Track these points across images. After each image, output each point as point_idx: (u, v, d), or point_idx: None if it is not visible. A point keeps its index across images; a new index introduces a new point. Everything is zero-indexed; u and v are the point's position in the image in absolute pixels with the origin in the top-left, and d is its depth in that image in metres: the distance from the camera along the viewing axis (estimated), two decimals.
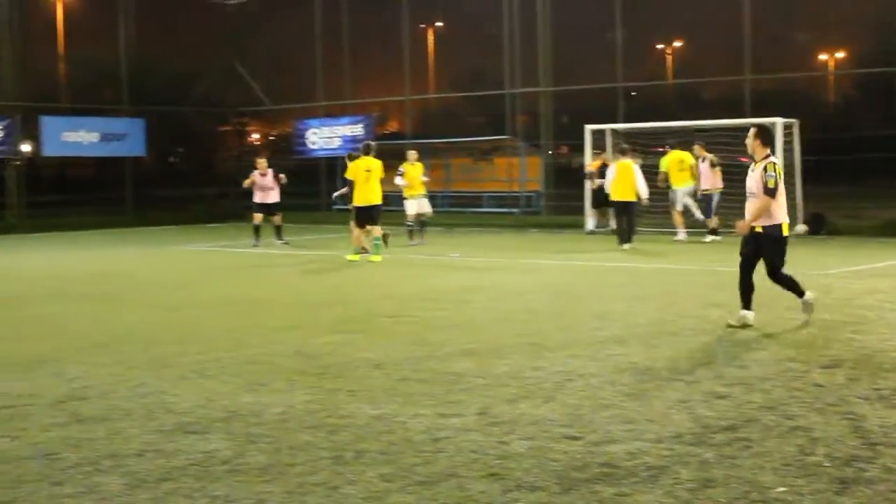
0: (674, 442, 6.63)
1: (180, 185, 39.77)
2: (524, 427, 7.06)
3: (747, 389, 8.13)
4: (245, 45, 40.39)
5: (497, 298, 14.16)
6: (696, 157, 24.12)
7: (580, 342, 10.39)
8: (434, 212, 25.62)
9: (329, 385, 8.49)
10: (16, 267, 20.54)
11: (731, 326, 11.08)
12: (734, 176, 20.80)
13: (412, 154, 24.61)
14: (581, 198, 28.08)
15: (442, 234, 27.27)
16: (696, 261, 18.95)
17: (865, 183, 29.14)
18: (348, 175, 20.69)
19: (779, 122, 25.14)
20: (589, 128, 28.13)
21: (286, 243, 24.17)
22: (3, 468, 6.31)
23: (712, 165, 23.65)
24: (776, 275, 11.26)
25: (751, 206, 11.17)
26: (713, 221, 23.63)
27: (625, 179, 22.38)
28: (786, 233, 11.23)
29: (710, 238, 23.53)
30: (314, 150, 36.94)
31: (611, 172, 22.99)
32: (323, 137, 36.57)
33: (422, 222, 24.44)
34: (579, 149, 29.39)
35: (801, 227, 25.06)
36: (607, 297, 14.12)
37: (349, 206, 20.99)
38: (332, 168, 36.01)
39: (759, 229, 11.12)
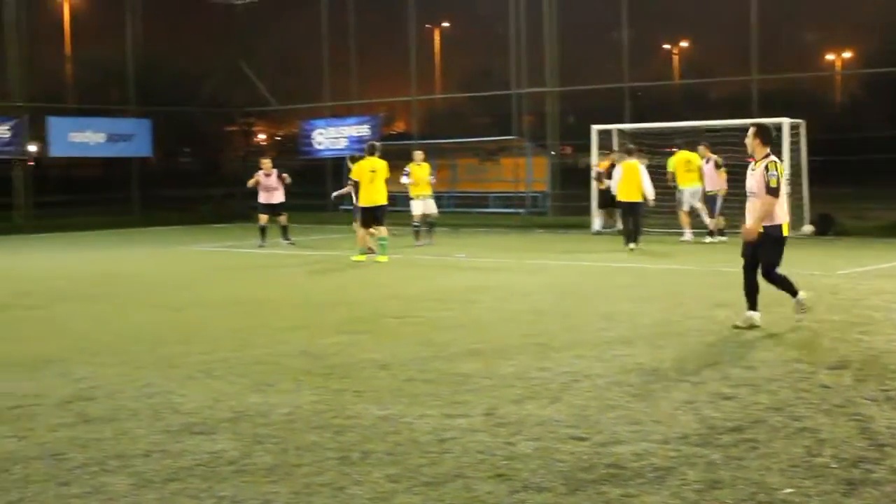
0: (680, 443, 6.62)
1: (187, 185, 39.79)
2: (531, 428, 7.05)
3: (754, 390, 8.12)
4: (251, 45, 40.41)
5: (503, 299, 14.16)
6: (701, 158, 24.08)
7: (586, 343, 10.39)
8: (440, 212, 25.61)
9: (335, 385, 8.49)
10: (22, 267, 20.57)
11: (737, 328, 11.06)
12: (741, 176, 20.74)
13: (418, 154, 24.62)
14: (587, 198, 28.09)
15: (448, 234, 27.26)
16: (703, 261, 18.93)
17: (872, 183, 29.08)
18: (353, 176, 20.70)
19: (785, 122, 25.13)
20: (595, 128, 28.14)
21: (292, 243, 24.18)
22: (11, 468, 6.31)
23: (717, 166, 23.60)
24: (770, 274, 11.16)
25: (752, 207, 11.11)
26: (718, 222, 23.59)
27: (631, 180, 22.33)
28: (786, 233, 11.17)
29: (709, 239, 23.52)
30: (320, 150, 36.95)
31: (617, 173, 22.96)
32: (329, 138, 36.58)
33: (429, 223, 24.43)
34: (585, 149, 29.39)
35: (808, 228, 25.04)
36: (613, 297, 14.11)
37: (351, 207, 21.05)
38: (339, 168, 35.94)
39: (759, 229, 11.08)
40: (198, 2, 39.09)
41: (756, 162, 11.17)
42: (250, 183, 24.96)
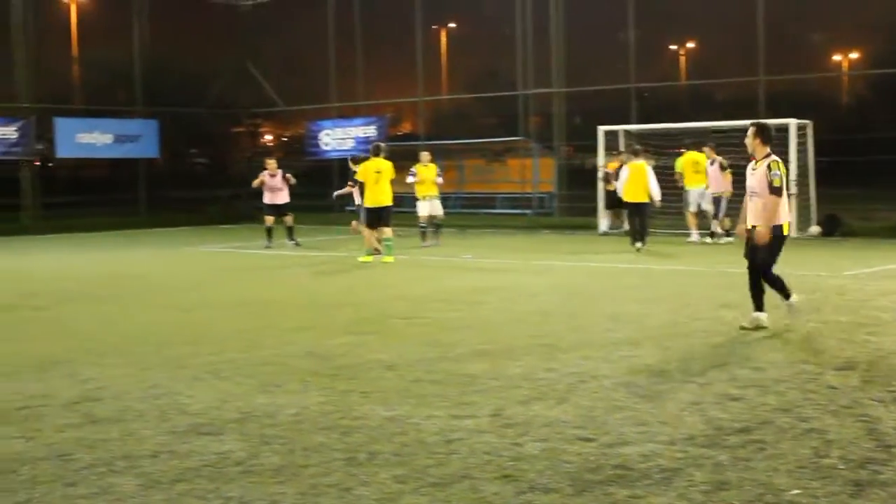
0: (687, 444, 6.62)
1: (194, 186, 39.83)
2: (537, 429, 7.05)
3: (761, 391, 8.11)
4: (258, 46, 40.45)
5: (510, 300, 14.15)
6: (707, 160, 24.05)
7: (593, 344, 10.38)
8: (447, 213, 25.62)
9: (342, 386, 8.49)
10: (30, 268, 20.60)
11: (744, 329, 11.04)
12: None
13: (425, 155, 24.62)
14: (594, 199, 28.09)
15: (455, 235, 27.27)
16: (709, 262, 18.90)
17: (879, 184, 29.02)
18: (359, 177, 20.70)
19: (792, 123, 25.12)
20: (602, 129, 28.14)
21: (297, 244, 24.20)
22: (19, 469, 6.32)
23: (722, 168, 23.55)
24: (765, 274, 11.12)
25: (755, 206, 11.06)
26: (723, 223, 23.56)
27: (637, 180, 22.32)
28: (786, 232, 11.09)
29: (709, 240, 23.51)
30: (327, 151, 36.96)
31: (624, 173, 22.94)
32: (336, 139, 36.60)
33: (435, 224, 24.44)
34: (591, 150, 29.38)
35: (815, 229, 25.02)
36: (620, 298, 14.10)
37: (355, 207, 21.10)
38: (345, 169, 35.91)
39: (759, 228, 11.04)
40: (204, 3, 39.13)
41: (756, 161, 11.11)
42: (255, 183, 25.00)
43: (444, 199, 25.73)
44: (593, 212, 28.13)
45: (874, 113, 34.72)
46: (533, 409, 7.63)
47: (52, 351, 10.44)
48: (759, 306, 11.15)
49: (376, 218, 20.17)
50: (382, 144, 21.70)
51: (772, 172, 10.83)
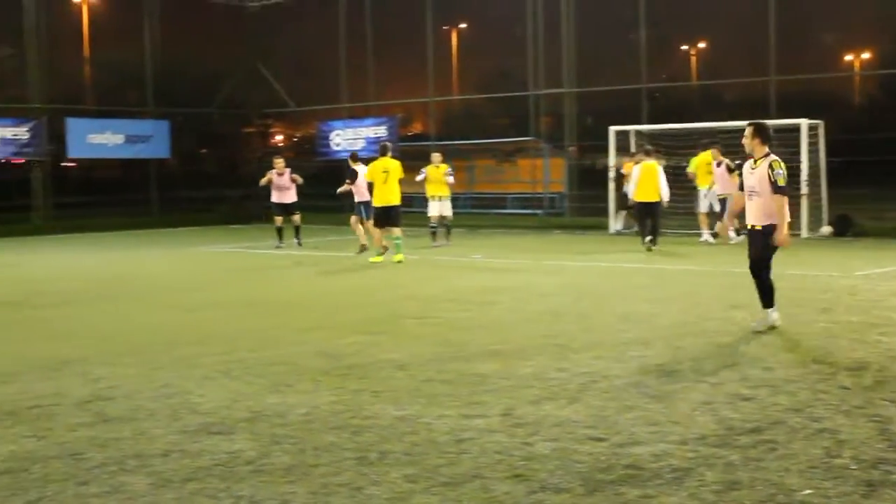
0: (698, 444, 6.60)
1: (205, 186, 39.88)
2: (548, 428, 7.05)
3: (773, 391, 8.10)
4: (269, 47, 40.48)
5: (521, 300, 14.14)
6: (713, 161, 24.00)
7: (604, 344, 10.37)
8: (458, 213, 25.63)
9: (353, 386, 8.49)
10: (41, 268, 20.65)
11: (754, 329, 11.00)
12: None
13: (436, 156, 24.62)
14: (605, 199, 28.07)
15: (465, 235, 27.27)
16: (720, 262, 18.86)
17: (891, 184, 28.93)
18: (367, 176, 20.77)
19: (804, 123, 25.08)
20: (613, 129, 28.12)
21: (300, 244, 24.20)
22: (30, 467, 6.34)
23: (729, 170, 23.49)
24: (756, 270, 11.00)
25: (753, 206, 10.98)
26: (728, 224, 23.47)
27: (649, 180, 22.33)
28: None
29: (712, 240, 23.45)
30: (338, 151, 36.95)
31: (635, 173, 22.92)
32: (347, 139, 36.61)
33: (445, 225, 24.44)
34: (602, 150, 29.36)
35: (827, 229, 24.96)
36: (631, 298, 14.08)
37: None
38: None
39: (757, 227, 10.99)
40: (215, 4, 39.19)
41: (756, 161, 11.04)
42: (262, 181, 25.06)
43: (455, 200, 25.73)
44: (604, 212, 28.12)
45: (886, 113, 34.60)
46: (544, 408, 7.63)
47: (63, 350, 10.46)
48: (769, 306, 11.11)
49: (385, 217, 20.19)
50: (389, 144, 21.80)
51: (774, 172, 10.77)
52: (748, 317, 11.52)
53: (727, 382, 8.43)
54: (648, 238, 21.98)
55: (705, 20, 36.14)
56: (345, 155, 35.74)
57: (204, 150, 45.22)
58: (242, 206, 36.68)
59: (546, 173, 35.09)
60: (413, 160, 26.80)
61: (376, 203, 20.37)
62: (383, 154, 20.71)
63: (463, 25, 41.40)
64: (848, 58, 36.30)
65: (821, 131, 25.83)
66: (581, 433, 6.90)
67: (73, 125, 34.31)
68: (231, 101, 40.62)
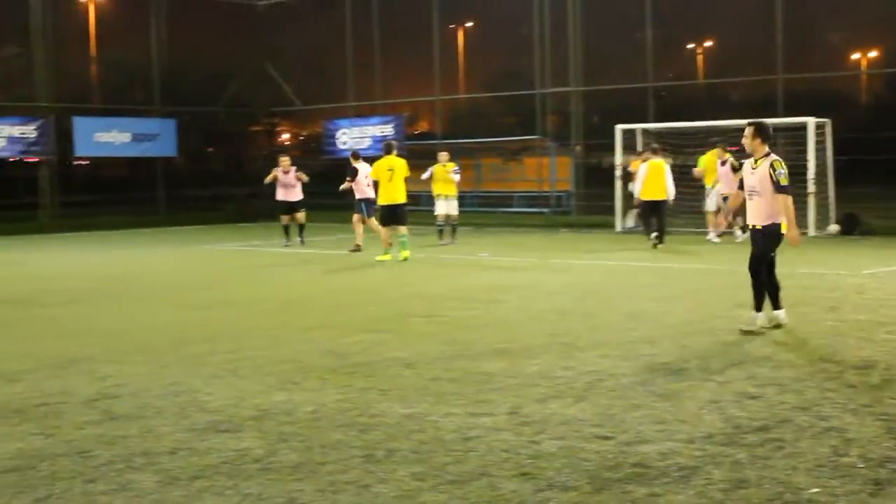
0: (706, 442, 6.60)
1: (212, 184, 39.92)
2: (555, 427, 7.05)
3: (780, 390, 8.09)
4: (276, 45, 40.50)
5: (528, 298, 14.14)
6: (718, 160, 23.98)
7: (611, 342, 10.36)
8: (464, 211, 25.62)
9: (360, 384, 8.50)
10: (48, 266, 20.68)
11: (763, 327, 10.99)
12: None
13: (443, 155, 24.60)
14: (611, 198, 28.06)
15: (472, 233, 27.28)
16: (727, 260, 18.83)
17: None
18: (372, 175, 20.83)
19: (811, 121, 25.06)
20: (619, 127, 28.11)
21: (302, 243, 24.21)
22: (38, 465, 6.35)
23: (734, 169, 23.46)
24: (755, 268, 10.97)
25: (754, 206, 10.95)
26: (736, 222, 23.47)
27: (656, 179, 22.35)
28: (784, 230, 10.97)
29: (715, 239, 23.41)
30: (344, 150, 36.91)
31: (642, 171, 22.92)
32: (353, 138, 36.62)
33: (450, 224, 24.45)
34: (608, 148, 29.35)
35: (834, 228, 24.94)
36: (638, 296, 14.07)
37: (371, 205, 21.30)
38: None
39: (758, 227, 10.97)
40: (222, 3, 39.22)
41: (756, 161, 11.01)
42: (267, 179, 25.10)
43: (461, 198, 25.71)
44: (611, 210, 28.11)
45: (893, 111, 34.51)
46: (551, 407, 7.63)
47: (70, 348, 10.48)
48: (776, 304, 11.10)
49: (391, 216, 20.23)
50: (394, 142, 21.84)
51: (776, 172, 10.73)
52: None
53: (734, 381, 8.43)
54: (654, 236, 22.02)
55: (712, 19, 36.08)
56: None
57: (211, 149, 45.27)
58: (249, 205, 36.72)
59: (552, 172, 35.07)
60: (419, 159, 26.79)
61: (381, 202, 20.41)
62: (388, 152, 20.75)
63: (469, 24, 41.38)
64: (855, 56, 36.23)
65: (828, 130, 25.79)
66: (588, 431, 6.90)
67: (80, 124, 34.37)
68: (238, 100, 40.65)
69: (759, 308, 10.88)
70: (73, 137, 34.12)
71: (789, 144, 26.28)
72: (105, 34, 38.82)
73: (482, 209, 34.39)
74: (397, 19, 38.00)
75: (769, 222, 10.84)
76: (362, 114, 37.93)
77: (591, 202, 31.84)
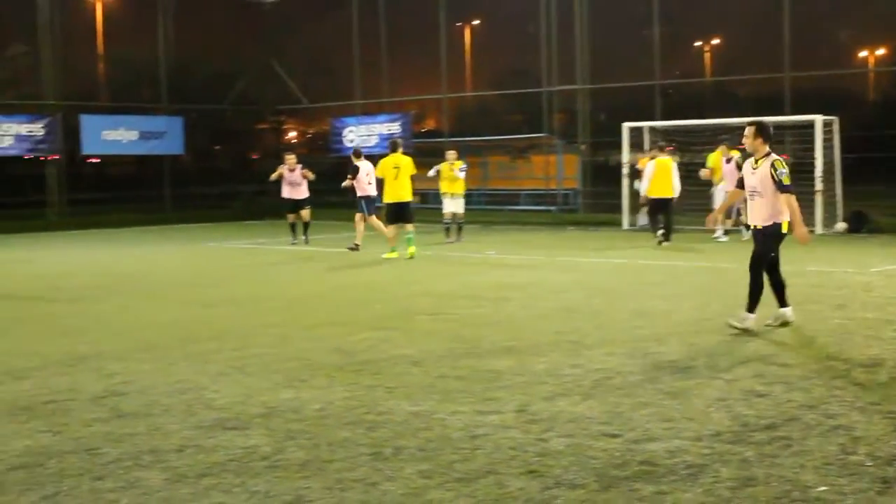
0: (713, 440, 6.60)
1: (218, 182, 39.97)
2: (563, 424, 7.04)
3: (787, 388, 8.08)
4: (283, 43, 40.52)
5: (535, 296, 14.13)
6: (722, 157, 23.94)
7: (618, 340, 10.36)
8: (472, 209, 25.63)
9: (367, 382, 8.50)
10: (56, 264, 20.70)
11: (769, 325, 10.98)
12: None
13: (451, 154, 24.59)
14: (619, 195, 28.05)
15: (479, 231, 27.28)
16: (735, 259, 18.79)
17: None
18: (377, 173, 20.86)
19: (818, 119, 25.01)
20: (626, 125, 28.09)
21: (306, 241, 24.22)
22: (46, 462, 6.36)
23: (738, 167, 23.40)
24: (755, 267, 10.94)
25: (755, 206, 10.91)
26: (740, 219, 23.46)
27: (663, 176, 22.36)
28: (784, 230, 10.93)
29: (724, 238, 23.38)
30: (351, 148, 36.88)
31: (649, 169, 22.91)
32: (360, 135, 36.62)
33: (457, 223, 24.45)
34: (615, 146, 29.34)
35: (841, 226, 24.91)
36: (645, 294, 14.06)
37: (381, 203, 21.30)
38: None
39: (759, 227, 10.94)
40: (229, 1, 39.25)
41: (757, 161, 10.97)
42: (273, 176, 25.09)
43: (468, 196, 25.71)
44: (618, 208, 28.10)
45: None
46: (558, 404, 7.62)
47: (77, 346, 10.49)
48: (782, 302, 11.08)
49: (397, 214, 20.25)
50: (400, 140, 21.86)
51: (778, 172, 10.69)
52: (763, 313, 11.46)
53: (742, 379, 8.42)
54: (661, 233, 22.04)
55: (719, 16, 36.05)
56: None
57: (217, 147, 45.31)
58: (256, 202, 36.76)
59: (559, 170, 35.07)
60: (426, 157, 26.80)
61: (387, 199, 20.45)
62: (394, 150, 20.78)
63: (476, 22, 41.38)
64: (862, 54, 36.18)
65: (835, 128, 25.75)
66: (595, 429, 6.90)
67: (88, 122, 34.42)
68: (244, 98, 40.69)
69: (751, 309, 10.82)
70: (80, 135, 34.16)
71: (797, 142, 26.27)
72: (112, 32, 38.86)
73: (489, 207, 34.39)
74: (404, 17, 38.01)
75: (770, 222, 10.81)
76: (369, 112, 37.93)
77: (598, 200, 31.83)
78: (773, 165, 10.74)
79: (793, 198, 10.77)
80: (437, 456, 6.34)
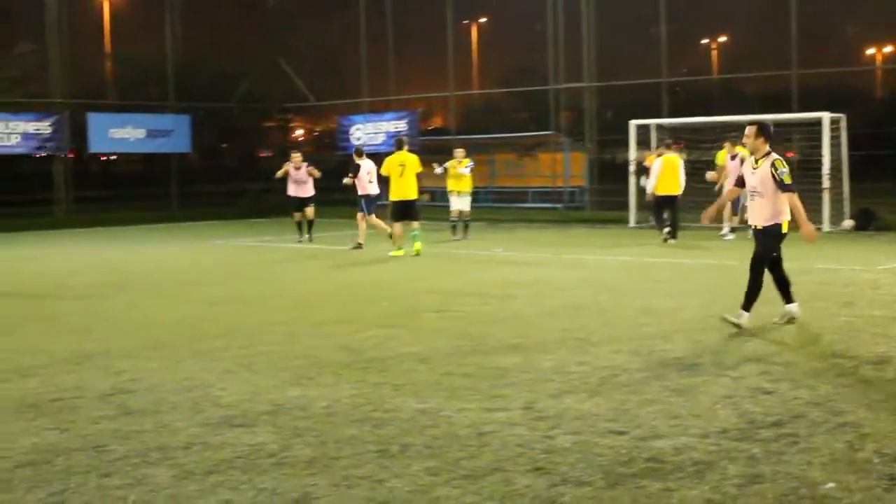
0: (720, 437, 6.59)
1: (225, 180, 40.02)
2: (569, 422, 7.04)
3: (794, 385, 8.07)
4: (290, 41, 40.55)
5: (541, 293, 14.13)
6: (727, 155, 23.89)
7: (625, 337, 10.35)
8: (479, 207, 25.64)
9: (374, 379, 8.50)
10: (62, 261, 20.72)
11: (776, 323, 10.96)
12: None
13: (459, 152, 24.59)
14: (625, 193, 28.03)
15: (486, 229, 27.27)
16: (741, 256, 18.67)
17: None
18: (383, 171, 20.90)
19: (826, 116, 24.97)
20: (633, 123, 28.08)
21: (310, 240, 24.23)
22: (53, 459, 6.37)
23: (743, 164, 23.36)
24: (756, 267, 10.91)
25: (756, 206, 10.88)
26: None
27: (671, 174, 22.37)
28: (785, 230, 10.90)
29: (731, 235, 23.34)
30: (358, 146, 37.00)
31: (656, 166, 22.89)
32: (367, 133, 36.63)
33: (463, 220, 24.45)
34: (622, 144, 29.33)
35: (848, 223, 24.87)
36: (652, 292, 14.05)
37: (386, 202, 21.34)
38: (377, 163, 36.05)
39: (759, 227, 10.92)
40: None
41: (757, 161, 10.94)
42: (278, 173, 25.12)
43: (476, 194, 25.71)
44: (625, 206, 28.08)
45: None
46: (565, 402, 7.62)
47: (84, 344, 10.51)
48: (787, 299, 11.07)
49: (402, 212, 20.28)
50: (405, 138, 21.90)
51: (778, 171, 10.65)
52: (770, 310, 11.44)
53: (748, 376, 8.42)
54: (667, 231, 22.04)
55: (726, 14, 36.06)
56: (366, 149, 35.92)
57: (224, 145, 45.35)
58: (263, 200, 36.78)
59: (566, 167, 35.08)
60: (433, 154, 26.80)
61: (393, 197, 20.47)
62: (399, 148, 20.81)
63: (483, 20, 41.39)
64: (870, 51, 36.14)
65: (843, 125, 25.71)
66: (602, 426, 6.90)
67: (95, 120, 34.45)
68: (251, 96, 40.73)
69: (747, 308, 10.79)
70: (87, 133, 34.21)
71: (804, 140, 26.24)
72: (120, 30, 38.97)
73: (496, 205, 34.39)
74: (411, 15, 38.03)
75: (771, 222, 10.79)
76: (376, 110, 37.93)
77: (605, 198, 31.83)
78: (773, 165, 10.71)
79: (795, 196, 10.75)
80: (443, 453, 6.35)
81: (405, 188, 20.29)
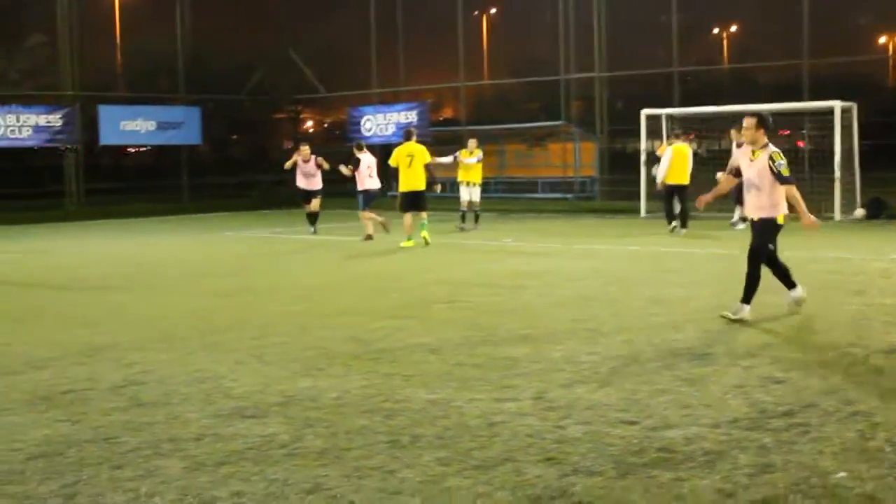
0: (731, 427, 6.58)
1: (236, 172, 40.07)
2: (580, 412, 7.04)
3: (805, 374, 8.06)
4: (300, 33, 40.56)
5: (552, 284, 14.12)
6: (732, 142, 23.84)
7: (635, 327, 10.34)
8: (489, 197, 25.64)
9: (385, 370, 8.51)
10: (73, 254, 20.77)
11: (792, 310, 10.91)
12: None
13: (472, 142, 24.59)
14: (636, 183, 27.99)
15: (496, 219, 27.27)
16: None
17: None
18: (391, 161, 20.93)
19: (837, 105, 24.91)
20: (644, 112, 28.03)
21: (314, 231, 24.23)
22: (65, 451, 6.39)
23: None
24: (753, 259, 10.87)
25: (753, 199, 10.84)
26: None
27: (681, 163, 22.35)
28: (781, 221, 10.84)
29: (741, 225, 23.27)
30: (369, 136, 36.95)
31: (667, 156, 22.86)
32: (377, 124, 36.64)
33: (473, 210, 24.45)
34: (632, 134, 29.29)
35: (860, 212, 24.81)
36: (662, 282, 14.04)
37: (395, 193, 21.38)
38: (387, 155, 36.05)
39: (756, 219, 10.89)
40: None
41: (754, 152, 10.88)
42: (287, 164, 25.13)
43: (486, 184, 25.72)
44: (635, 196, 28.04)
45: None
46: (575, 392, 7.62)
47: (96, 336, 10.53)
48: (790, 285, 11.02)
49: (411, 202, 20.31)
50: (414, 129, 21.92)
51: (776, 164, 10.59)
52: (780, 300, 11.42)
53: (759, 365, 8.40)
54: (675, 224, 22.02)
55: (737, 3, 35.95)
56: (377, 140, 35.96)
57: (235, 137, 45.39)
58: (274, 192, 36.81)
59: (577, 157, 35.05)
60: (444, 145, 26.79)
61: (402, 188, 20.54)
62: (408, 139, 20.83)
63: (493, 10, 41.34)
64: (881, 40, 36.02)
65: (854, 114, 25.64)
66: (613, 416, 6.89)
67: (106, 112, 34.52)
68: (262, 88, 40.75)
69: (747, 300, 10.74)
70: (98, 126, 34.27)
71: (815, 129, 26.17)
72: (130, 23, 39.04)
73: (506, 195, 34.38)
74: (421, 5, 38.00)
75: (767, 215, 10.75)
76: (386, 101, 37.94)
77: (615, 188, 31.80)
78: (770, 157, 10.66)
79: (793, 188, 10.73)
80: (454, 443, 6.35)
81: (414, 179, 20.32)
